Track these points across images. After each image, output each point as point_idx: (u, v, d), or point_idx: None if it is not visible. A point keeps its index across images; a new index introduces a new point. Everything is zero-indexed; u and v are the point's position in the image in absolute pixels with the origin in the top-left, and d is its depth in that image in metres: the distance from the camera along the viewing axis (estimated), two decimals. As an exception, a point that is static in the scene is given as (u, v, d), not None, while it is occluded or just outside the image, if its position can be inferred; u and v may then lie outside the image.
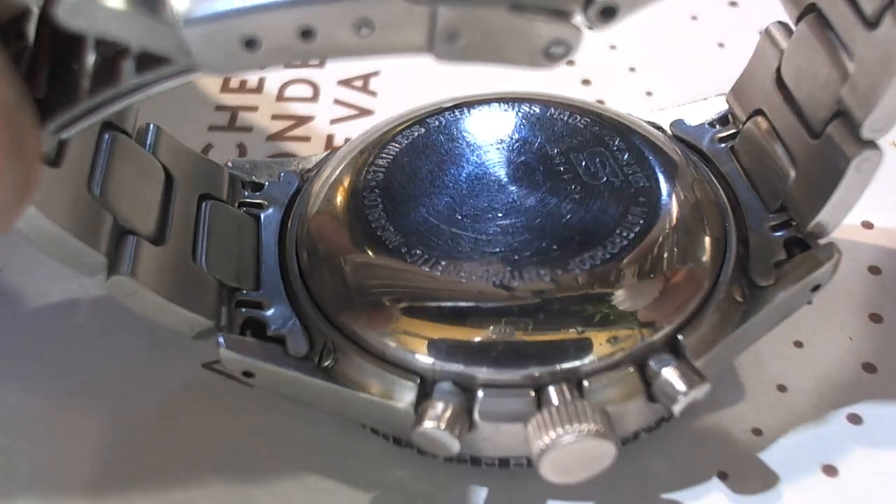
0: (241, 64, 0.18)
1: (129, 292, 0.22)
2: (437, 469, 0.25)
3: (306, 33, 0.17)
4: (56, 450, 0.26)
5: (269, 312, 0.24)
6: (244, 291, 0.25)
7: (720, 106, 0.28)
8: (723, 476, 0.25)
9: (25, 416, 0.26)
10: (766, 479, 0.25)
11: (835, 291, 0.28)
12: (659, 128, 0.28)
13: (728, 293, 0.24)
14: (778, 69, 0.26)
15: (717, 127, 0.28)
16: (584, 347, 0.23)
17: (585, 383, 0.23)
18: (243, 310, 0.24)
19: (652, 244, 0.24)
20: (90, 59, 0.19)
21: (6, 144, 0.16)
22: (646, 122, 0.28)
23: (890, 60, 0.21)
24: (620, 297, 0.23)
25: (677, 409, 0.22)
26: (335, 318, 0.24)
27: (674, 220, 0.24)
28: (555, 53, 0.18)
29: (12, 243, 0.30)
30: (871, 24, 0.22)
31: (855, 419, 0.26)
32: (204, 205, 0.26)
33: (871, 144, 0.23)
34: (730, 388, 0.26)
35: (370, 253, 0.24)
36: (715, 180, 0.27)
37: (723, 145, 0.27)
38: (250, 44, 0.17)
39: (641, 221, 0.24)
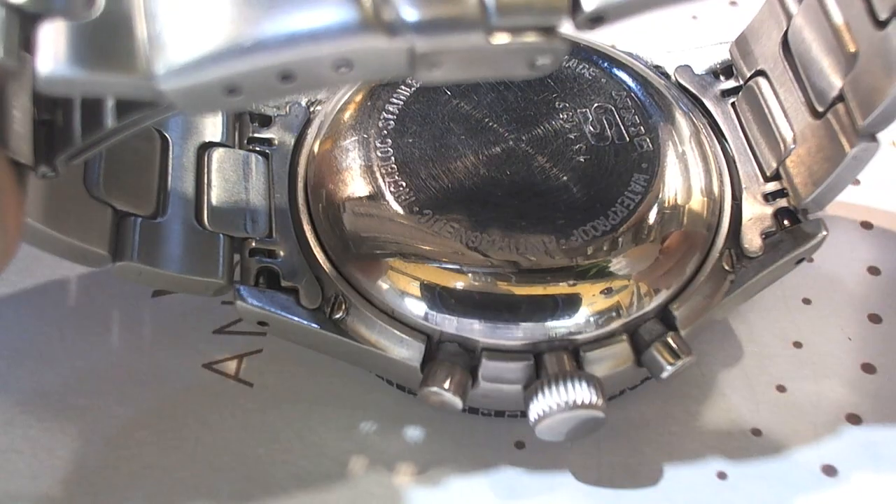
0: (223, 107, 0.19)
1: (135, 275, 0.23)
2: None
3: (286, 77, 0.17)
4: (56, 450, 0.26)
5: (282, 260, 0.25)
6: (256, 239, 0.25)
7: (726, 53, 0.28)
8: (722, 476, 0.25)
9: (25, 415, 0.26)
10: (766, 479, 0.25)
11: (834, 292, 0.28)
12: (664, 73, 0.28)
13: (718, 262, 0.25)
14: (785, 34, 0.25)
15: (721, 79, 0.28)
16: (581, 316, 0.23)
17: (581, 351, 0.24)
18: (257, 258, 0.25)
19: (652, 214, 0.24)
20: (77, 107, 0.20)
21: None
22: (652, 66, 0.27)
23: (892, 67, 0.21)
24: (619, 267, 0.23)
25: (664, 376, 0.24)
26: (345, 272, 0.24)
27: (675, 190, 0.24)
28: (541, 65, 0.18)
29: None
30: (881, 23, 0.22)
31: (854, 419, 0.26)
32: (206, 155, 0.25)
33: (870, 137, 0.23)
34: (730, 388, 0.26)
35: (381, 208, 0.24)
36: (714, 139, 0.26)
37: (725, 100, 0.27)
38: (232, 91, 0.17)
39: (643, 190, 0.24)
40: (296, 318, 0.24)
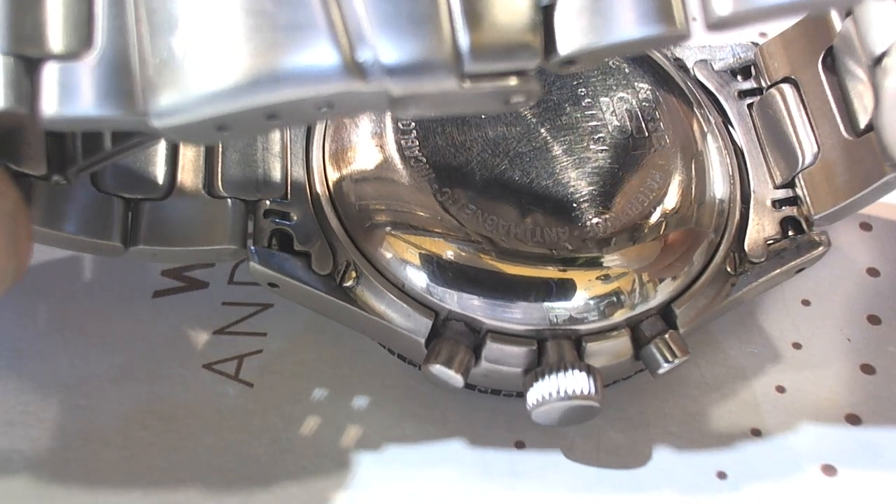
0: (214, 140, 0.21)
1: (150, 256, 0.24)
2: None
3: (271, 116, 0.18)
4: (56, 450, 0.26)
5: (296, 224, 0.25)
6: (271, 200, 0.25)
7: (748, 53, 0.27)
8: (722, 476, 0.25)
9: (25, 416, 0.26)
10: (766, 480, 0.25)
11: (833, 293, 0.28)
12: (683, 66, 0.28)
13: (722, 264, 0.25)
14: (830, 49, 0.25)
15: (739, 79, 0.27)
16: (585, 307, 0.24)
17: (584, 342, 0.24)
18: (271, 219, 0.25)
19: (663, 212, 0.24)
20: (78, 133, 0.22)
21: (6, 247, 0.19)
22: (672, 59, 0.27)
23: (880, 104, 0.22)
24: (627, 262, 0.24)
25: (660, 372, 0.24)
26: (358, 241, 0.24)
27: (688, 190, 0.25)
28: (516, 103, 0.19)
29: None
30: (875, 62, 0.22)
31: (853, 420, 0.26)
32: None
33: None
34: (730, 388, 0.26)
35: (397, 181, 0.24)
36: (728, 139, 0.26)
37: (742, 100, 0.27)
38: (221, 128, 0.18)
39: (657, 187, 0.24)
40: (305, 283, 0.24)
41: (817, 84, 0.25)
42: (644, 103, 0.25)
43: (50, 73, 0.18)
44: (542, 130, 0.25)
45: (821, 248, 0.25)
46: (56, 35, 0.18)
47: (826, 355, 0.27)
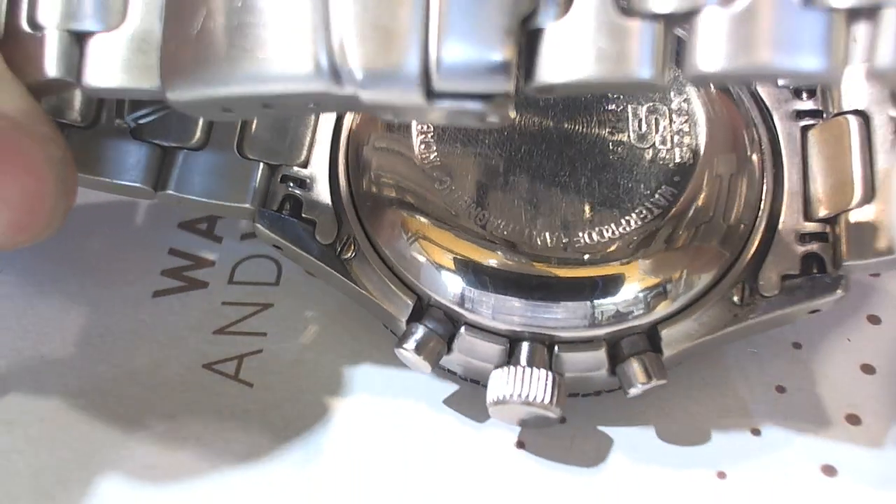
0: (222, 118, 0.24)
1: (175, 202, 0.25)
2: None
3: (266, 106, 0.20)
4: (56, 450, 0.26)
5: (309, 192, 0.26)
6: (291, 167, 0.26)
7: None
8: (722, 476, 0.25)
9: (25, 416, 0.26)
10: (765, 480, 0.25)
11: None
12: None
13: (727, 293, 0.24)
14: None
15: (803, 97, 0.25)
16: (565, 316, 0.23)
17: (556, 349, 0.24)
18: (286, 185, 0.26)
19: (665, 232, 0.23)
20: None
21: (59, 189, 0.22)
22: None
23: None
24: (616, 278, 0.23)
25: (631, 393, 0.24)
26: (362, 216, 0.25)
27: (701, 212, 0.23)
28: (490, 122, 0.19)
29: (12, 243, 0.30)
30: None
31: (853, 420, 0.26)
32: None
33: None
34: (730, 388, 0.26)
35: (405, 165, 0.24)
36: (771, 162, 0.25)
37: (796, 121, 0.25)
38: (225, 109, 0.21)
39: (666, 204, 0.23)
40: (304, 250, 0.25)
41: (890, 126, 0.23)
42: (676, 114, 0.24)
43: (95, 48, 0.21)
44: (559, 132, 0.24)
45: (838, 292, 0.23)
46: (98, 12, 0.21)
47: (826, 355, 0.27)
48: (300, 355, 0.27)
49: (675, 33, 0.18)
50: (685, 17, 0.18)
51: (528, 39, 0.18)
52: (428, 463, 0.25)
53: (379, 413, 0.26)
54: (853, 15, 0.17)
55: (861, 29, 0.17)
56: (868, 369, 0.27)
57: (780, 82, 0.26)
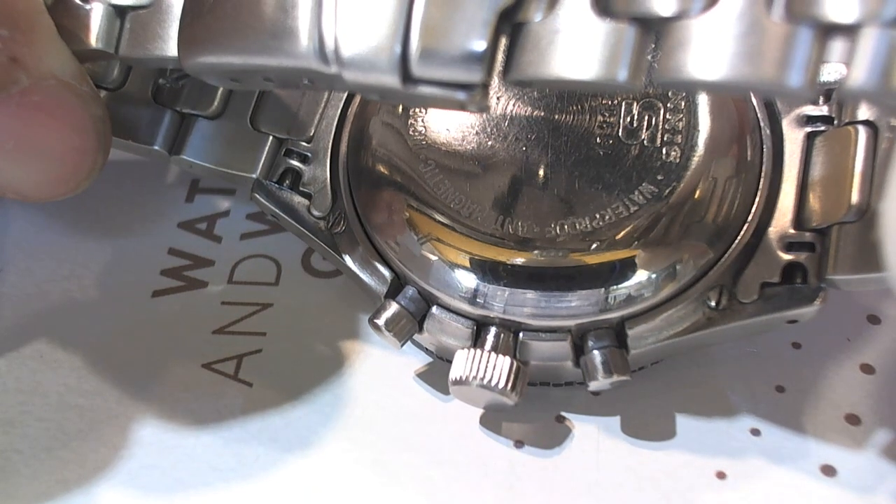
0: (230, 86, 0.26)
1: (187, 166, 0.27)
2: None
3: (267, 80, 0.22)
4: (56, 450, 0.26)
5: (309, 166, 0.27)
6: (295, 141, 0.27)
7: (833, 78, 0.24)
8: (722, 476, 0.25)
9: (25, 415, 0.26)
10: (765, 480, 0.25)
11: (832, 293, 0.28)
12: None
13: (703, 295, 0.24)
14: None
15: (819, 101, 0.25)
16: (533, 305, 0.24)
17: (521, 335, 0.24)
18: (289, 159, 0.27)
19: (640, 230, 0.23)
20: None
21: (99, 144, 0.24)
22: None
23: None
24: (586, 271, 0.23)
25: (591, 387, 0.24)
26: (355, 193, 0.26)
27: (682, 214, 0.23)
28: (471, 108, 0.19)
29: (12, 243, 0.30)
30: None
31: (853, 420, 0.26)
32: None
33: None
34: (730, 388, 0.26)
35: (396, 146, 0.25)
36: (770, 166, 0.24)
37: (802, 126, 0.24)
38: (233, 79, 0.22)
39: (644, 202, 0.23)
40: (297, 221, 0.27)
41: (892, 137, 0.23)
42: (671, 112, 0.24)
43: (131, 21, 0.23)
44: (548, 122, 0.24)
45: (816, 304, 0.23)
46: None
47: (826, 355, 0.27)
48: (300, 355, 0.27)
49: (651, 36, 0.18)
50: (661, 22, 0.18)
51: (513, 33, 0.19)
52: (427, 462, 0.25)
53: (379, 413, 0.26)
54: (829, 31, 0.17)
55: (836, 46, 0.17)
56: (868, 369, 0.27)
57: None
